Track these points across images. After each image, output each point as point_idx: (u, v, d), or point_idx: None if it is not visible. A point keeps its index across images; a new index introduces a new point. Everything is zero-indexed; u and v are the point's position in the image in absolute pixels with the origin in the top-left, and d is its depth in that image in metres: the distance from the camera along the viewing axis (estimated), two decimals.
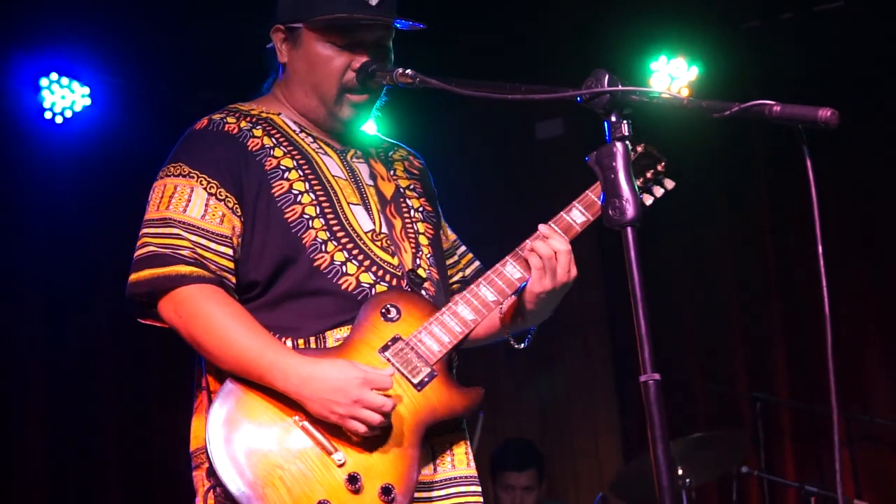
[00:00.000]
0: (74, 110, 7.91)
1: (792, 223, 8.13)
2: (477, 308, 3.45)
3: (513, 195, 8.98)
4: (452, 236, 3.95)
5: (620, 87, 2.84)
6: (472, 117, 8.86)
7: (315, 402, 3.22)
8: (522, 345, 3.65)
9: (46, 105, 7.83)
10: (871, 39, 7.96)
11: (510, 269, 3.50)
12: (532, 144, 9.24)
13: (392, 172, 3.76)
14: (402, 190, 3.72)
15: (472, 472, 3.54)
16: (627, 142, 2.84)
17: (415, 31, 3.58)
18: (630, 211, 2.77)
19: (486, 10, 8.23)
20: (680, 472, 6.88)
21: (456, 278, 3.88)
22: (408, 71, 3.46)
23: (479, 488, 3.54)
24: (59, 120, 7.88)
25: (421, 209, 3.73)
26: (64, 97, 7.88)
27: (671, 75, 8.32)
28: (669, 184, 3.74)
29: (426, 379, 3.34)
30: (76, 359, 8.07)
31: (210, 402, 3.34)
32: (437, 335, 3.39)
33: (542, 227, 3.51)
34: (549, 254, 3.46)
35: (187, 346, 3.42)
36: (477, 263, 3.91)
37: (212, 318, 3.32)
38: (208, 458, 3.20)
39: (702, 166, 8.39)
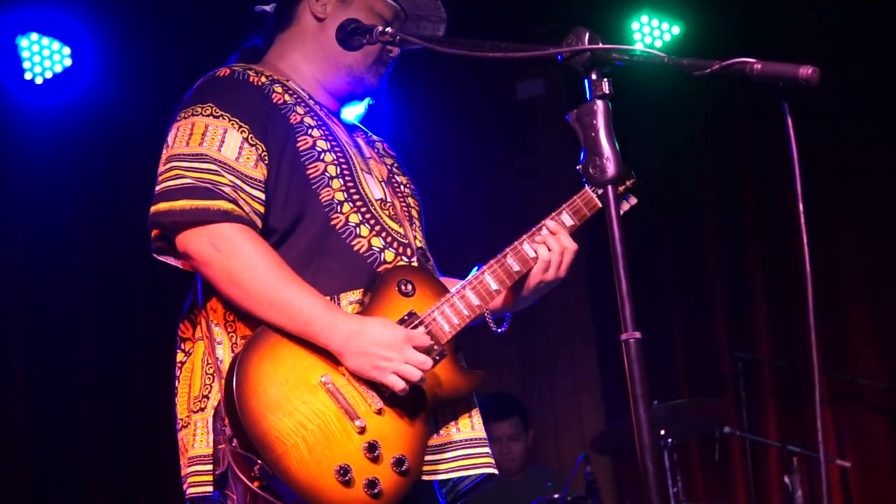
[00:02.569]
0: (55, 71, 7.77)
1: (773, 180, 8.11)
2: (482, 295, 3.53)
3: (494, 155, 8.96)
4: None
5: (601, 45, 2.84)
6: (452, 77, 8.82)
7: (359, 356, 3.24)
8: (500, 329, 3.67)
9: (26, 66, 7.68)
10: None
11: (510, 261, 3.61)
12: (513, 104, 9.21)
13: (377, 151, 3.82)
14: (390, 168, 3.80)
15: (480, 433, 3.57)
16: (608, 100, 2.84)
17: None
18: (611, 169, 2.77)
19: None
20: (662, 432, 6.90)
21: None
22: (387, 29, 3.47)
23: (487, 449, 3.57)
24: (38, 81, 7.76)
25: (408, 186, 3.81)
26: (43, 56, 7.72)
27: (652, 35, 8.29)
28: (632, 199, 3.90)
29: (437, 357, 3.36)
30: (55, 322, 8.01)
31: (213, 352, 3.36)
32: (448, 316, 3.45)
33: (549, 222, 3.68)
34: (559, 249, 3.66)
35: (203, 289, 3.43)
36: None
37: (259, 258, 3.29)
38: (232, 403, 3.15)
39: (682, 124, 8.40)
